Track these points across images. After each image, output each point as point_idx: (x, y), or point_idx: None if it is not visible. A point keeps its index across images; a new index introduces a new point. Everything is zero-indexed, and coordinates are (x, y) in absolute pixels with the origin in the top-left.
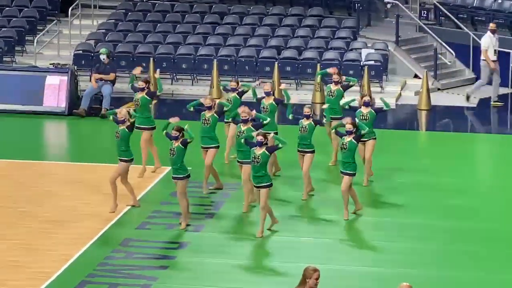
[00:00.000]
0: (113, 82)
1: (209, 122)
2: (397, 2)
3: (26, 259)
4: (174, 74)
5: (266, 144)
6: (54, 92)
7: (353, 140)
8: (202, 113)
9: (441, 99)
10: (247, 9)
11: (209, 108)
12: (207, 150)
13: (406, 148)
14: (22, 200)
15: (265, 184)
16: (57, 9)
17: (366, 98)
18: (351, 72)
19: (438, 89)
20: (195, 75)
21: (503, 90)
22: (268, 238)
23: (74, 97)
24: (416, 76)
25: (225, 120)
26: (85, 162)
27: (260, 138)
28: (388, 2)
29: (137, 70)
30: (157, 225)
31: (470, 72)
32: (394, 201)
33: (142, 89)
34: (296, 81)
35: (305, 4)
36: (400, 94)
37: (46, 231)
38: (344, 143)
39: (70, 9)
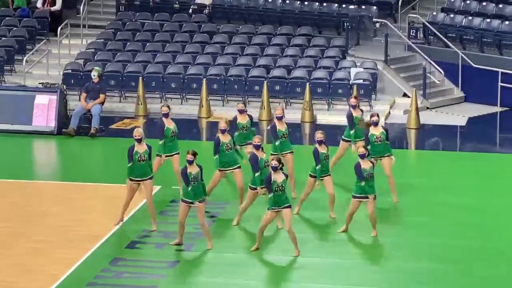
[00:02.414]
0: (102, 101)
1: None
2: (386, 21)
3: (17, 279)
4: (163, 94)
5: (281, 168)
6: (43, 111)
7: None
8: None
9: (430, 118)
10: (236, 28)
11: (224, 131)
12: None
13: (395, 167)
14: (12, 220)
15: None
16: (46, 29)
17: (375, 118)
18: (340, 91)
19: (427, 108)
20: (184, 94)
21: (492, 109)
22: (259, 257)
23: (63, 117)
24: (405, 95)
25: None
26: (74, 181)
27: (274, 163)
28: (377, 21)
29: None
30: (147, 244)
31: (459, 91)
32: (383, 220)
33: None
34: (285, 100)
35: (294, 24)
36: (389, 113)
37: (36, 250)
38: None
39: (59, 28)
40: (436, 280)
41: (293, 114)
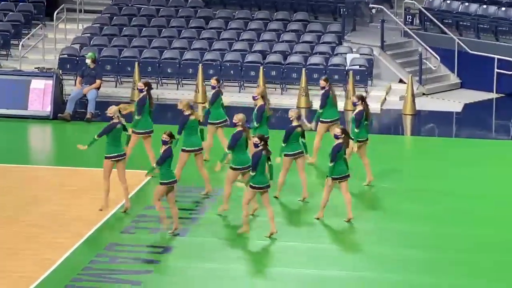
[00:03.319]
0: (98, 87)
1: None
2: (382, 7)
3: (11, 264)
4: (159, 79)
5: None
6: (39, 96)
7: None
8: None
9: (426, 104)
10: (233, 13)
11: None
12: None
13: (391, 153)
14: (7, 204)
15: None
16: (42, 13)
17: (353, 99)
18: (336, 76)
19: (423, 94)
20: (180, 80)
21: (488, 95)
22: (253, 243)
23: (59, 101)
24: (401, 81)
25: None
26: (70, 166)
27: (255, 140)
28: (373, 7)
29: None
30: (142, 229)
31: (455, 77)
32: (378, 206)
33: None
34: (281, 85)
35: (290, 9)
36: (385, 99)
37: (30, 235)
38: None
39: (55, 13)
40: (425, 268)
41: (289, 99)
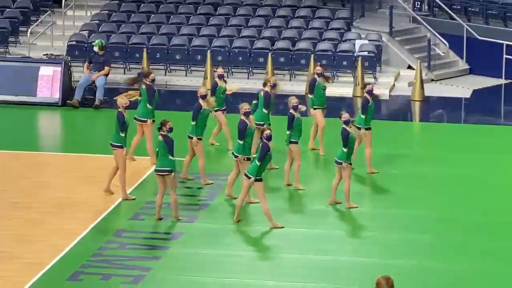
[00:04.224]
0: (107, 73)
1: None
2: None
3: (19, 250)
4: (168, 65)
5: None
6: (48, 83)
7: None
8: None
9: (434, 90)
10: (241, 0)
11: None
12: None
13: (399, 139)
14: (16, 191)
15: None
16: (51, 0)
17: (370, 87)
18: (344, 63)
19: (432, 80)
20: (188, 66)
21: (497, 81)
22: (261, 229)
23: (67, 88)
24: (409, 67)
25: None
26: (78, 153)
27: (268, 132)
28: None
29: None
30: (151, 215)
31: (463, 63)
32: (387, 191)
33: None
34: (290, 72)
35: None
36: (393, 85)
37: (39, 222)
38: None
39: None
40: (432, 253)
41: (298, 86)
